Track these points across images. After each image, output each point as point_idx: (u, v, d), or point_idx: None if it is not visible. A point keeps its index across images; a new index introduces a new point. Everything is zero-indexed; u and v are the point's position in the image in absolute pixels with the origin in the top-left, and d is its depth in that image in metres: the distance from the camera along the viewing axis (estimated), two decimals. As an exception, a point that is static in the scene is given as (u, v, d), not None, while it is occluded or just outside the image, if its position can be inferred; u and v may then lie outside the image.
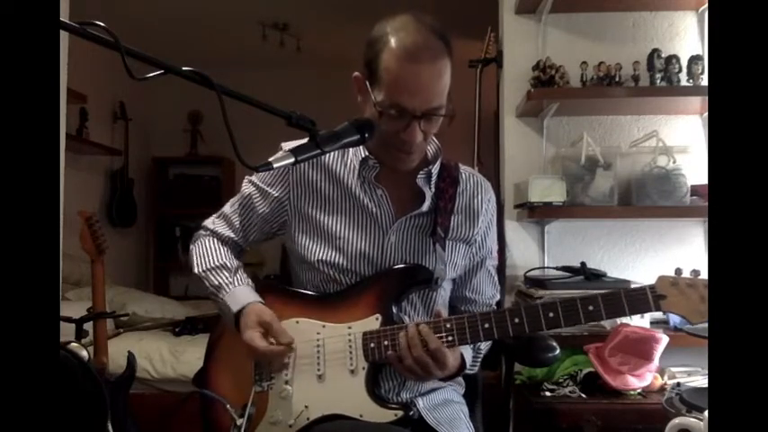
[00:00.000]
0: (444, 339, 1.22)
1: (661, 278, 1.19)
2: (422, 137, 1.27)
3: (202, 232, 1.49)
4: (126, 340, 3.13)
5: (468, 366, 1.35)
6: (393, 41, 1.24)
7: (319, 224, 1.37)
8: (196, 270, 1.41)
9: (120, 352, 2.19)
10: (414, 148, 1.30)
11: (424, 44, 1.23)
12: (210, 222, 1.49)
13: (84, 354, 1.83)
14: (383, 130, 1.25)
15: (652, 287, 1.19)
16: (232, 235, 1.45)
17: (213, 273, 1.39)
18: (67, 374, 1.69)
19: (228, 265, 1.40)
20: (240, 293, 1.35)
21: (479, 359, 1.43)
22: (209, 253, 1.42)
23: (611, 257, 2.44)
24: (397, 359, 1.23)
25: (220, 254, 1.42)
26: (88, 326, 2.09)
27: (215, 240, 1.45)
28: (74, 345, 1.88)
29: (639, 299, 1.18)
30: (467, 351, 1.34)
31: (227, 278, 1.37)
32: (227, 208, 1.48)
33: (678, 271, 1.20)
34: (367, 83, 1.29)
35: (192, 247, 1.47)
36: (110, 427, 1.75)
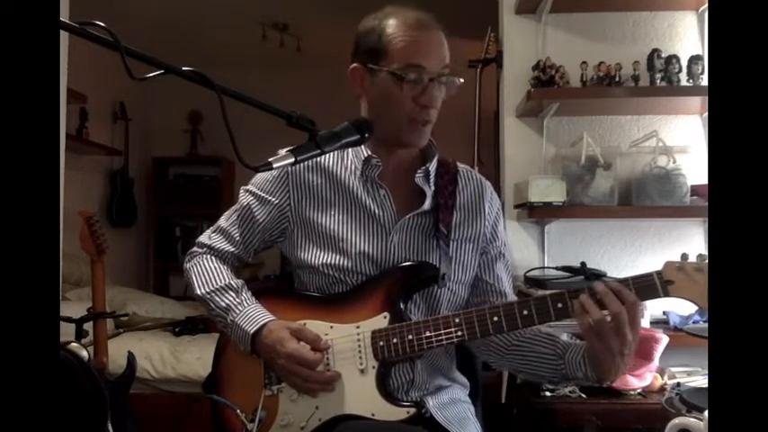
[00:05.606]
0: (454, 334, 1.22)
1: (668, 263, 1.17)
2: (438, 102, 1.31)
3: (198, 250, 1.45)
4: (126, 340, 3.13)
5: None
6: (393, 20, 1.30)
7: (321, 228, 1.35)
8: (198, 292, 1.38)
9: (120, 352, 2.19)
10: (430, 115, 1.32)
11: (423, 16, 1.31)
12: (206, 238, 1.45)
13: (84, 354, 1.83)
14: (400, 103, 1.29)
15: (659, 273, 1.17)
16: (232, 249, 1.41)
17: (218, 294, 1.36)
18: (67, 374, 1.68)
19: (234, 284, 1.36)
20: (254, 313, 1.31)
21: None
22: (210, 273, 1.39)
23: (611, 257, 2.43)
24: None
25: (222, 273, 1.38)
26: (88, 326, 2.09)
27: (213, 258, 1.42)
28: (74, 345, 1.87)
29: (647, 285, 1.17)
30: None
31: (233, 299, 1.34)
32: (223, 222, 1.43)
33: (684, 256, 1.18)
34: (369, 69, 1.32)
35: (188, 266, 1.43)
36: (110, 427, 1.75)
